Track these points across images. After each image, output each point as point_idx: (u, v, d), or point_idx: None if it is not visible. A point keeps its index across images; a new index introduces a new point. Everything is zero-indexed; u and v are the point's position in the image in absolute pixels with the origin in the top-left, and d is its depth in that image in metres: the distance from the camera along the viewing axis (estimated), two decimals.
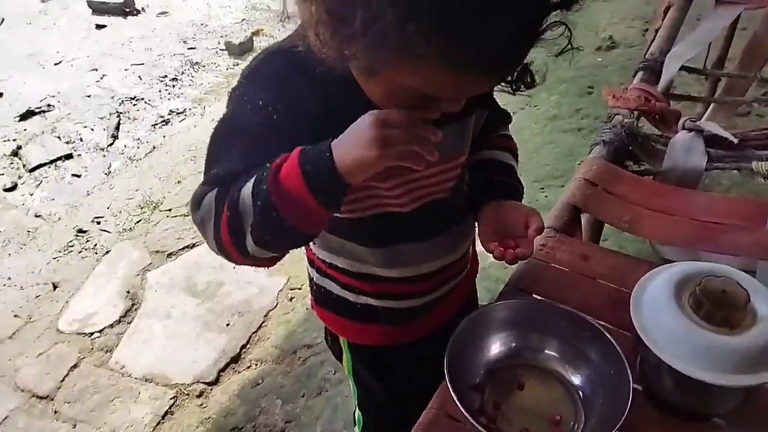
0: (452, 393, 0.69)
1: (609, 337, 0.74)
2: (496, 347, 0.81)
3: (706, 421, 0.73)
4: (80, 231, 2.33)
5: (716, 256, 0.99)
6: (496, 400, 0.77)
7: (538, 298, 0.89)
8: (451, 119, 0.72)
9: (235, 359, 1.79)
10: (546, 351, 0.80)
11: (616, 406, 0.68)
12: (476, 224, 0.85)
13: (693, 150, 1.19)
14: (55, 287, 2.08)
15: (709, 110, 1.72)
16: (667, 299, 0.68)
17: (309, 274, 0.93)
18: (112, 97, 3.15)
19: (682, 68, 1.46)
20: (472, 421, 0.67)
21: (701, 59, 2.10)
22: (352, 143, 0.59)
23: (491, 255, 0.78)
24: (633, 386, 0.70)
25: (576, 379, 0.77)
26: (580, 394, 0.76)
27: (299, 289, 1.98)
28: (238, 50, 3.46)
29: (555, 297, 0.88)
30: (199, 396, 1.69)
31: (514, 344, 0.80)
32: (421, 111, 0.60)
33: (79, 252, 2.23)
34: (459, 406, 0.68)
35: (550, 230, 1.02)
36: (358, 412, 1.05)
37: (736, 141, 1.19)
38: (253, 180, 0.61)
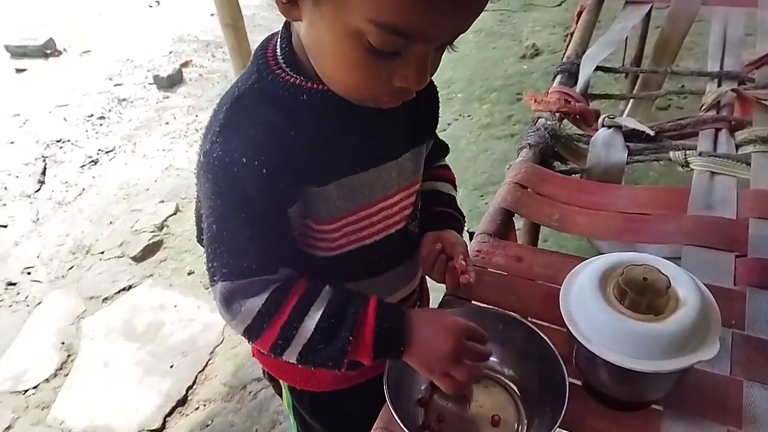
0: (392, 411, 0.68)
1: (542, 335, 0.75)
2: None
3: (645, 408, 0.74)
4: (9, 284, 2.20)
5: (652, 247, 1.01)
6: (440, 412, 0.76)
7: (477, 304, 0.88)
8: (416, 141, 0.76)
9: (182, 402, 1.71)
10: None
11: (556, 403, 0.68)
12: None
13: (613, 145, 1.23)
14: None
15: (629, 106, 1.78)
16: (593, 292, 0.68)
17: None
18: (37, 142, 3.03)
19: (600, 68, 1.51)
20: None
21: (620, 59, 2.20)
22: (427, 348, 0.66)
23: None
24: (571, 381, 0.71)
25: (516, 381, 0.77)
26: (521, 395, 0.76)
27: None
28: (167, 83, 3.39)
29: (493, 301, 0.88)
30: None
31: None
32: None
33: (9, 306, 2.11)
34: (399, 423, 0.67)
35: (484, 235, 1.02)
36: None
37: (653, 133, 1.23)
38: (317, 321, 0.64)
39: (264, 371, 0.96)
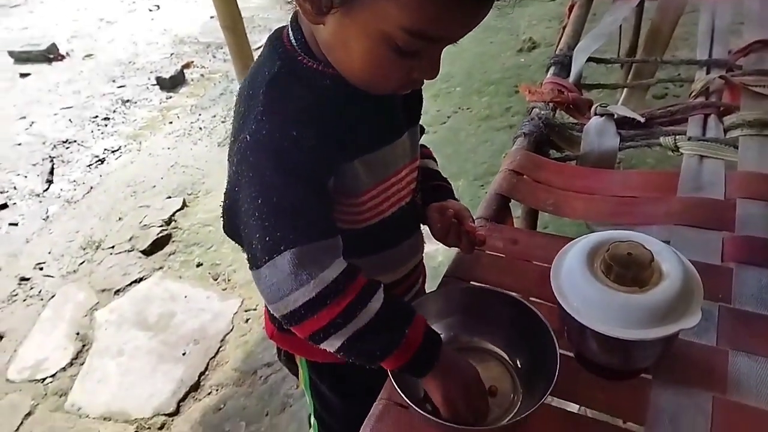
0: (392, 381, 0.72)
1: (536, 311, 0.79)
2: None
3: (635, 377, 0.78)
4: (23, 279, 2.27)
5: (644, 228, 1.05)
6: None
7: (475, 283, 0.93)
8: (411, 122, 0.81)
9: (195, 387, 1.77)
10: (482, 332, 0.84)
11: (548, 374, 0.72)
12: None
13: (606, 133, 1.27)
14: (0, 338, 2.02)
15: (623, 95, 1.83)
16: (581, 267, 0.73)
17: None
18: (44, 143, 3.09)
19: (592, 59, 1.55)
20: (414, 407, 0.70)
21: (615, 50, 2.24)
22: (453, 372, 0.71)
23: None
24: (563, 353, 0.75)
25: (511, 355, 0.82)
26: (516, 367, 0.81)
27: (254, 310, 1.98)
28: (169, 84, 3.44)
29: (491, 281, 0.93)
30: (160, 428, 1.67)
31: (452, 331, 0.84)
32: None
33: (24, 300, 2.17)
34: (400, 393, 0.71)
35: (481, 220, 1.07)
36: (313, 420, 1.07)
37: (643, 120, 1.27)
38: (379, 308, 0.68)
39: (280, 352, 1.01)
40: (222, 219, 0.75)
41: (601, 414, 0.77)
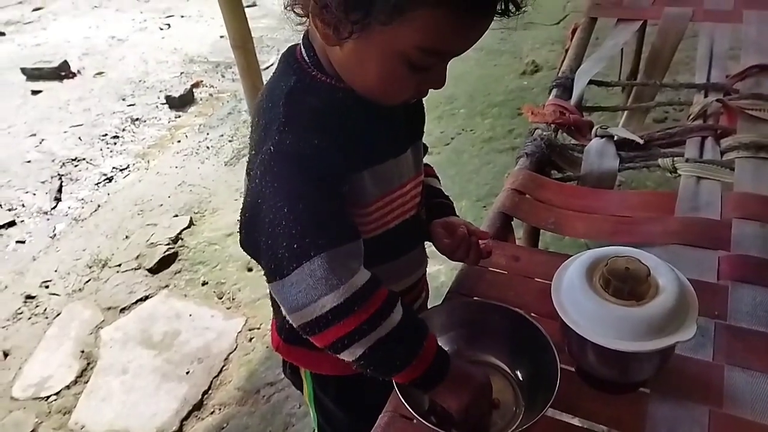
0: (398, 394, 0.74)
1: (537, 324, 0.81)
2: None
3: (633, 391, 0.80)
4: (28, 297, 2.28)
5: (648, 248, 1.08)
6: None
7: (478, 299, 0.95)
8: (414, 137, 0.85)
9: (198, 406, 1.78)
10: (484, 346, 0.86)
11: (549, 387, 0.73)
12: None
13: (606, 154, 1.30)
14: (6, 355, 2.03)
15: (623, 118, 1.86)
16: (581, 282, 0.75)
17: (277, 315, 0.94)
18: (53, 161, 3.13)
19: (593, 82, 1.59)
20: (419, 418, 0.72)
21: (616, 73, 2.28)
22: (463, 380, 0.74)
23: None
24: (564, 367, 0.77)
25: (513, 368, 0.83)
26: (519, 380, 0.82)
27: (258, 329, 1.99)
28: (179, 103, 3.50)
29: (494, 297, 0.95)
30: None
31: (455, 344, 0.85)
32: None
33: (29, 318, 2.18)
34: (405, 404, 0.73)
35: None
36: None
37: (642, 142, 1.30)
38: (401, 318, 0.70)
39: (285, 365, 1.02)
40: (239, 233, 0.76)
41: (601, 426, 0.78)
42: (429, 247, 0.94)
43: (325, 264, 0.66)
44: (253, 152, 0.75)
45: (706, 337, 0.86)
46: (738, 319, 0.89)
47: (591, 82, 1.57)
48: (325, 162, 0.69)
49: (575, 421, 0.79)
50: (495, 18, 0.67)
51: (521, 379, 0.82)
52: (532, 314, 0.89)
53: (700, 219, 1.10)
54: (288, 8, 0.69)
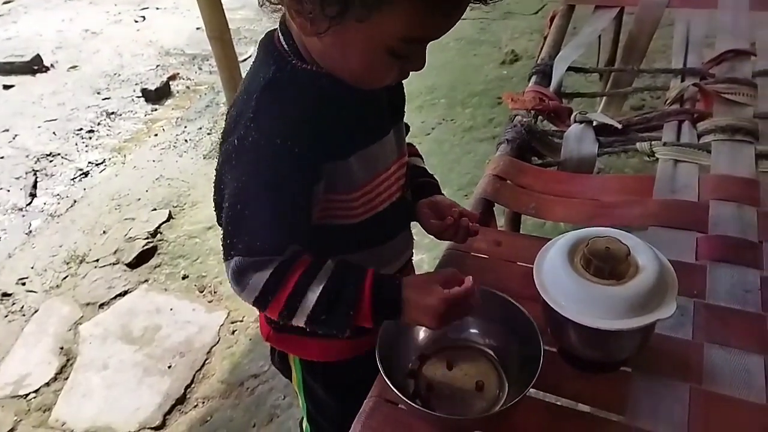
0: (384, 378, 0.74)
1: (520, 307, 0.81)
2: (424, 334, 0.86)
3: (615, 370, 0.81)
4: (4, 294, 2.24)
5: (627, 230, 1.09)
6: (428, 382, 0.82)
7: None
8: (396, 119, 0.85)
9: (181, 400, 1.76)
10: (469, 330, 0.86)
11: (532, 369, 0.74)
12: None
13: (585, 139, 1.31)
14: None
15: (602, 104, 1.88)
16: (562, 262, 0.76)
17: None
18: (27, 156, 3.06)
19: (572, 69, 1.60)
20: (405, 399, 0.72)
21: (594, 60, 2.30)
22: (420, 312, 0.73)
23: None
24: (547, 349, 0.77)
25: (497, 351, 0.84)
26: (502, 363, 0.83)
27: (241, 321, 1.98)
28: (155, 96, 3.44)
29: (476, 280, 0.95)
30: None
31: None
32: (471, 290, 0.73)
33: (5, 316, 2.14)
34: (392, 387, 0.73)
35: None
36: (306, 424, 1.08)
37: (620, 127, 1.31)
38: (318, 296, 0.71)
39: (274, 354, 1.02)
40: (215, 211, 0.79)
41: (585, 405, 0.79)
42: (414, 235, 0.94)
43: (237, 267, 0.71)
44: (221, 140, 0.77)
45: (685, 316, 0.88)
46: (716, 298, 0.91)
47: (570, 68, 1.58)
48: (285, 165, 0.69)
49: (559, 402, 0.79)
50: (474, 6, 0.67)
51: (505, 361, 0.83)
52: (515, 297, 0.89)
53: (678, 201, 1.11)
54: None
